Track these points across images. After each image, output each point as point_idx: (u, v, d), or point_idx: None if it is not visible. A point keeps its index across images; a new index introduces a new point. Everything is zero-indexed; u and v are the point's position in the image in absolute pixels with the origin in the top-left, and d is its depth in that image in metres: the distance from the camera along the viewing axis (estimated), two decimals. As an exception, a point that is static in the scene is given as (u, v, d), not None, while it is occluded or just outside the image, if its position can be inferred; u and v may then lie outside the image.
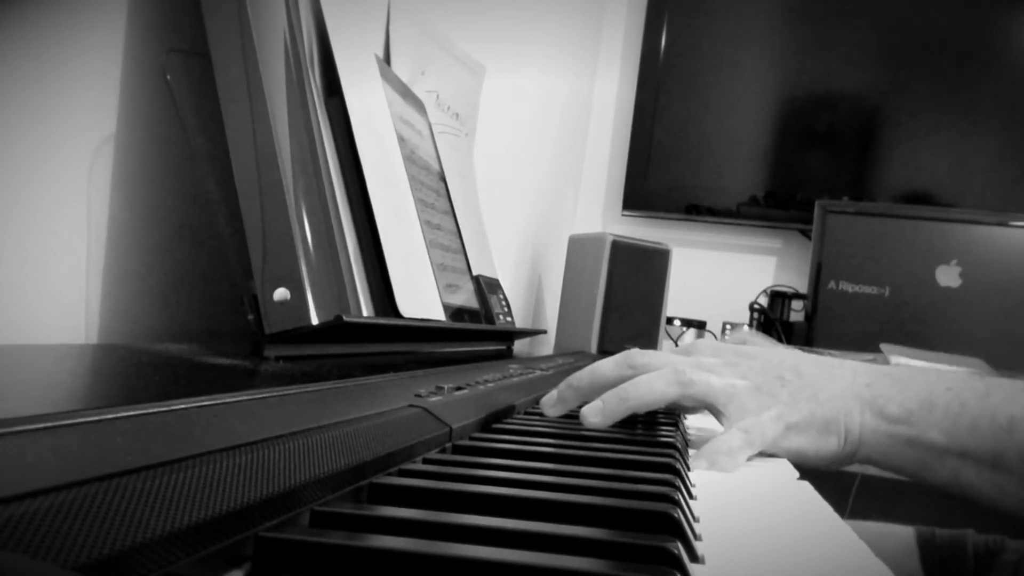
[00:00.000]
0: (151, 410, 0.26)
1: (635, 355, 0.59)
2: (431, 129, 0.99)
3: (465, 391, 0.51)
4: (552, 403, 0.59)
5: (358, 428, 0.33)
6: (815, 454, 0.55)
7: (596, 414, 0.54)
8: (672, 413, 0.68)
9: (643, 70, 2.19)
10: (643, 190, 2.18)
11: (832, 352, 1.41)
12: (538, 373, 0.78)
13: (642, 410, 0.56)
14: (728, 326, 2.03)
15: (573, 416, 0.61)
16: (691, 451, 0.55)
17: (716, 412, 0.57)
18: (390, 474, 0.33)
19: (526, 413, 0.60)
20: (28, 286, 0.51)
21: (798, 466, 0.55)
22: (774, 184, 2.13)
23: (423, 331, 0.75)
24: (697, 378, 0.56)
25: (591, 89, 2.28)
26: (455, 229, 0.96)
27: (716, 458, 0.52)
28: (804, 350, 0.81)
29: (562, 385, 0.60)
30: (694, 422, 0.72)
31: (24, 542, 0.16)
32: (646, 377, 0.56)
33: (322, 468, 0.27)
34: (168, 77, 0.55)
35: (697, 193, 2.16)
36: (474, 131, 1.24)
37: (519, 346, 1.20)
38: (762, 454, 0.56)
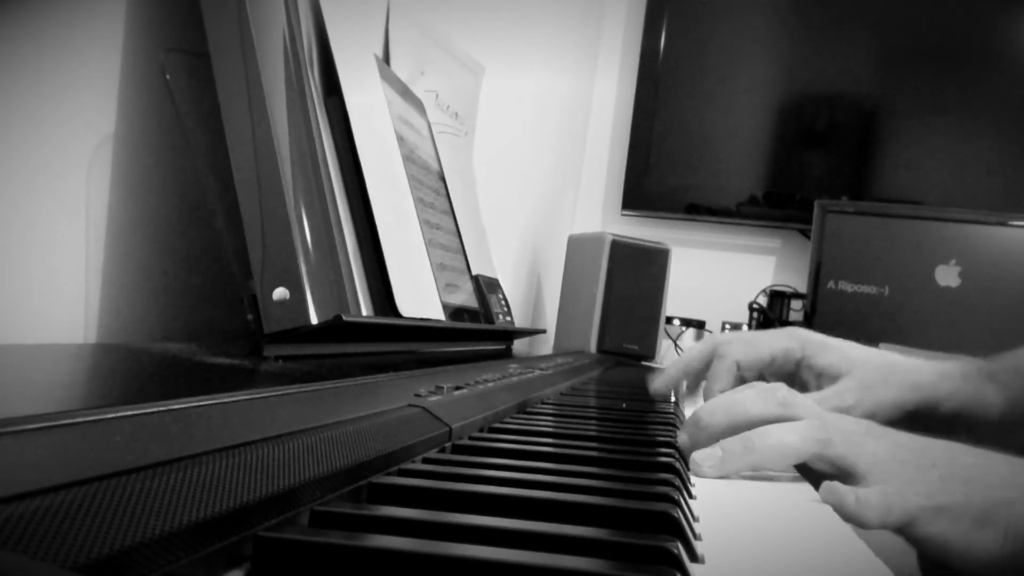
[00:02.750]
0: (150, 410, 0.26)
1: (783, 390, 0.52)
2: (430, 129, 0.99)
3: (464, 391, 0.51)
4: (681, 447, 0.51)
5: (358, 428, 0.33)
6: (964, 550, 0.46)
7: (712, 464, 0.47)
8: (671, 413, 0.68)
9: (643, 70, 2.19)
10: (643, 190, 2.18)
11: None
12: (537, 373, 0.78)
13: (767, 467, 0.49)
14: (727, 326, 2.03)
15: (573, 416, 0.61)
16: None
17: (851, 480, 0.48)
18: (389, 474, 0.33)
19: (526, 413, 0.60)
20: (27, 285, 0.51)
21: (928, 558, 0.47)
22: (773, 184, 2.13)
23: (422, 331, 0.75)
24: (839, 439, 0.48)
25: (591, 89, 2.28)
26: (454, 229, 0.96)
27: (838, 498, 0.45)
28: None
29: (689, 423, 0.52)
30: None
31: (24, 542, 0.16)
32: (779, 429, 0.48)
33: (321, 468, 0.27)
34: (167, 77, 0.55)
35: (697, 193, 2.16)
36: (473, 131, 1.24)
37: (518, 346, 1.20)
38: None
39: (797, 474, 0.52)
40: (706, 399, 0.74)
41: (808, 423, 0.49)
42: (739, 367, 0.77)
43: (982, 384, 0.72)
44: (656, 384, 0.81)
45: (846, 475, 0.49)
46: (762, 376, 0.78)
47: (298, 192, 0.55)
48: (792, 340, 0.77)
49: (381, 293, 0.68)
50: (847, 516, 0.45)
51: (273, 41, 0.58)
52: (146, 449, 0.22)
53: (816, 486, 0.47)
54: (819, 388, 0.74)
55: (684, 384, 0.84)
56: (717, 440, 0.50)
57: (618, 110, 2.27)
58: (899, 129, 2.07)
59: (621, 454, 0.45)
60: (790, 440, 0.48)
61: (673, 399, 0.81)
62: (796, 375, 0.77)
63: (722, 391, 0.73)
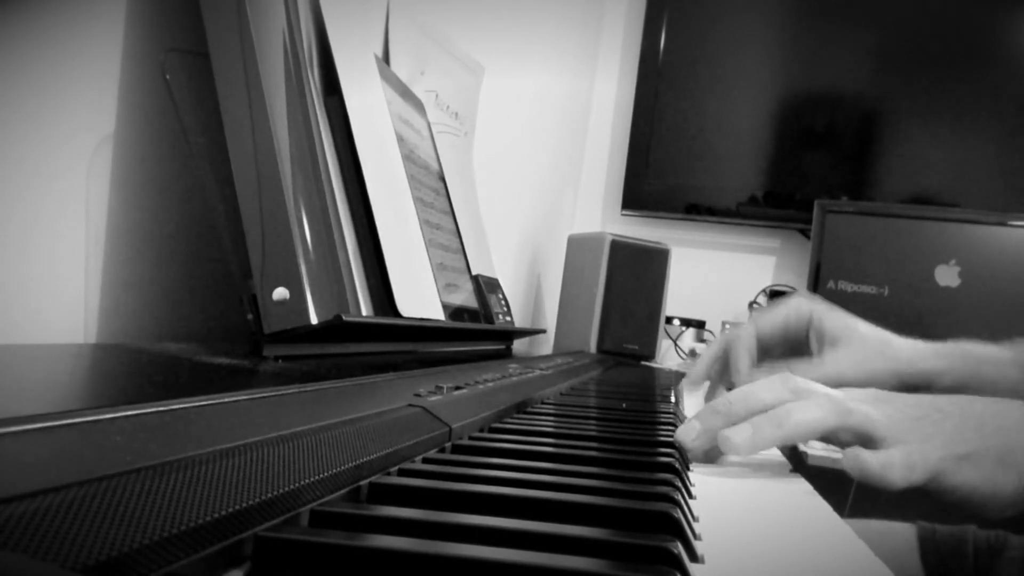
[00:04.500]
0: (150, 410, 0.26)
1: (792, 379, 0.54)
2: (430, 129, 0.99)
3: (464, 390, 0.51)
4: (695, 435, 0.52)
5: (357, 428, 0.33)
6: (991, 493, 0.48)
7: (746, 439, 0.49)
8: (671, 413, 0.68)
9: (642, 70, 2.19)
10: (642, 190, 2.18)
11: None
12: (537, 373, 0.78)
13: (796, 440, 0.52)
14: (727, 325, 2.03)
15: (572, 416, 0.61)
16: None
17: (874, 445, 0.50)
18: (389, 474, 0.33)
19: (526, 413, 0.60)
20: (27, 286, 0.51)
21: (962, 508, 0.49)
22: (773, 184, 2.13)
23: (422, 330, 0.75)
24: (856, 407, 0.51)
25: (590, 89, 2.28)
26: (454, 228, 0.96)
27: (860, 463, 0.47)
28: None
29: (704, 412, 0.53)
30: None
31: (24, 542, 0.16)
32: (802, 404, 0.51)
33: (321, 468, 0.27)
34: (167, 76, 0.55)
35: (696, 193, 2.16)
36: (473, 131, 1.24)
37: (518, 346, 1.20)
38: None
39: (794, 470, 0.53)
40: (734, 380, 0.77)
41: (828, 398, 0.51)
42: (758, 338, 0.78)
43: (979, 364, 0.73)
44: (690, 375, 0.82)
45: (867, 441, 0.50)
46: (779, 348, 0.79)
47: (298, 192, 0.55)
48: (801, 300, 0.79)
49: (381, 293, 0.68)
50: (872, 479, 0.46)
51: (273, 41, 0.58)
52: (146, 449, 0.22)
53: (807, 470, 0.48)
54: (820, 354, 0.75)
55: (712, 372, 0.83)
56: (731, 424, 0.52)
57: (618, 110, 2.27)
58: (899, 129, 2.07)
59: (621, 454, 0.45)
60: (815, 414, 0.50)
61: (673, 399, 0.81)
62: (806, 341, 0.78)
63: (747, 369, 0.76)
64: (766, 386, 0.53)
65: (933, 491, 0.49)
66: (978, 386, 0.69)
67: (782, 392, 0.53)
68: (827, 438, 0.53)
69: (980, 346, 0.76)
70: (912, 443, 0.48)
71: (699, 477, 0.48)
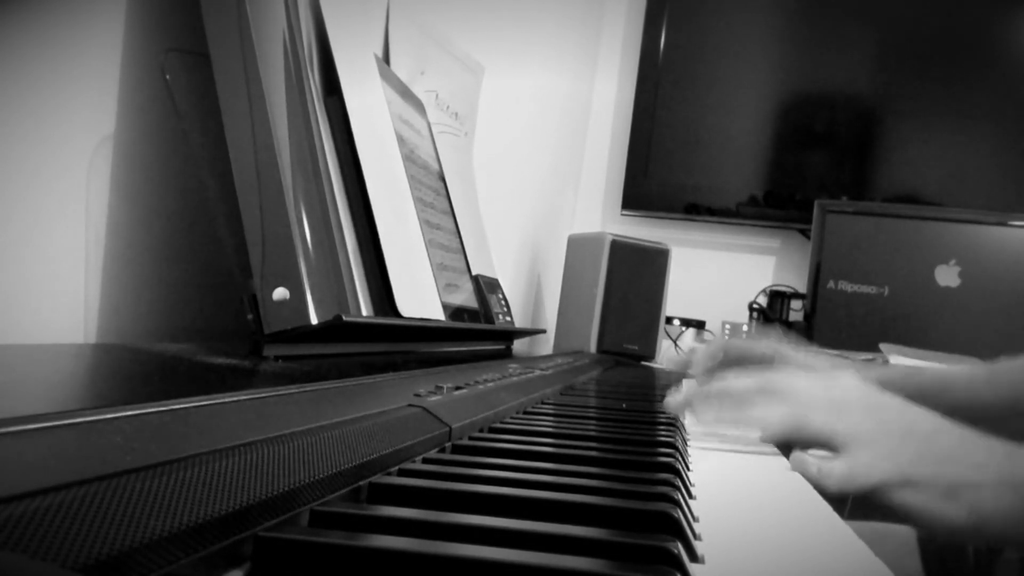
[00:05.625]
0: (150, 410, 0.26)
1: (776, 381, 0.58)
2: (430, 129, 0.99)
3: (464, 391, 0.51)
4: (675, 405, 0.64)
5: (357, 428, 0.33)
6: (932, 519, 0.51)
7: (708, 411, 0.58)
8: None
9: (642, 70, 2.19)
10: (642, 190, 2.18)
11: (831, 352, 1.41)
12: (537, 373, 0.78)
13: (746, 428, 0.59)
14: (727, 325, 2.03)
15: (572, 416, 0.61)
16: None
17: (835, 449, 0.54)
18: (389, 474, 0.33)
19: (526, 413, 0.60)
20: (27, 286, 0.51)
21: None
22: (773, 184, 2.13)
23: (422, 331, 0.75)
24: (815, 418, 0.55)
25: (590, 89, 2.28)
26: (454, 229, 0.96)
27: (804, 468, 0.52)
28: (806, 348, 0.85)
29: (690, 389, 0.63)
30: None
31: (24, 542, 0.16)
32: (764, 406, 0.56)
33: (321, 468, 0.27)
34: (167, 77, 0.55)
35: (696, 193, 2.16)
36: (473, 131, 1.24)
37: (518, 346, 1.20)
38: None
39: (791, 467, 0.54)
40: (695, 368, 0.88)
41: (792, 413, 0.55)
42: (724, 350, 0.86)
43: (945, 390, 0.78)
44: (677, 360, 0.94)
45: (827, 446, 0.55)
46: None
47: (298, 192, 0.55)
48: (768, 346, 0.85)
49: (381, 293, 0.68)
50: (811, 481, 0.50)
51: (273, 41, 0.58)
52: (146, 449, 0.22)
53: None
54: None
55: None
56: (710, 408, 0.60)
57: (618, 110, 2.27)
58: (899, 129, 2.07)
59: (621, 454, 0.45)
60: (769, 418, 0.56)
61: None
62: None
63: (706, 361, 0.87)
64: (743, 378, 0.60)
65: (879, 502, 0.52)
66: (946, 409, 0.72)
67: (753, 388, 0.58)
68: (790, 441, 0.58)
69: (949, 368, 0.80)
70: (863, 457, 0.52)
71: (700, 477, 0.48)
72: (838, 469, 0.51)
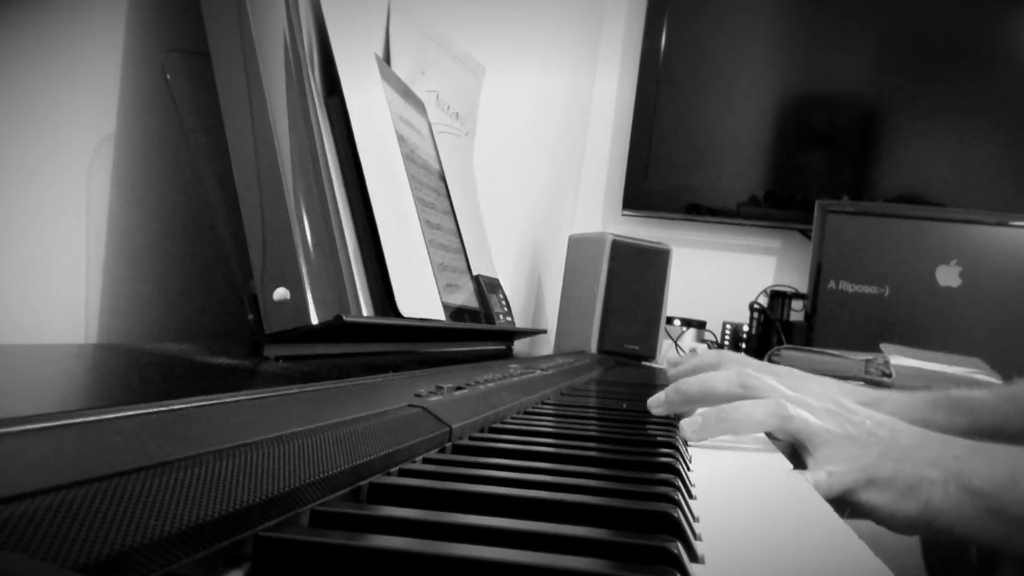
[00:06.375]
0: (151, 410, 0.26)
1: (748, 377, 0.62)
2: (431, 129, 0.99)
3: (465, 391, 0.51)
4: (658, 404, 0.66)
5: (358, 428, 0.33)
6: (890, 515, 0.55)
7: (694, 430, 0.58)
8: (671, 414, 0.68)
9: (643, 70, 2.19)
10: (643, 190, 2.18)
11: (831, 352, 1.41)
12: (538, 373, 0.78)
13: (737, 434, 0.60)
14: (728, 326, 2.03)
15: (573, 416, 0.61)
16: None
17: (805, 451, 0.58)
18: (390, 474, 0.33)
19: (526, 413, 0.60)
20: (28, 286, 0.51)
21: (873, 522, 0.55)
22: (774, 184, 2.12)
23: (423, 331, 0.75)
24: (797, 415, 0.57)
25: (591, 89, 2.28)
26: (455, 229, 0.96)
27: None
28: (803, 349, 0.86)
29: (671, 389, 0.65)
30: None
31: (24, 542, 0.16)
32: (748, 404, 0.58)
33: (322, 468, 0.27)
34: (168, 76, 0.55)
35: (697, 193, 2.16)
36: (474, 131, 1.24)
37: (519, 346, 1.20)
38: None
39: (793, 468, 0.54)
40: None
41: (775, 402, 0.58)
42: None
43: (953, 413, 0.81)
44: (672, 360, 0.98)
45: (800, 445, 0.58)
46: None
47: (298, 192, 0.55)
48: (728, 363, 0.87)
49: (381, 293, 0.68)
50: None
51: (273, 41, 0.58)
52: (146, 449, 0.22)
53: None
54: None
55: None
56: (689, 405, 0.64)
57: (618, 110, 2.27)
58: (899, 129, 2.06)
59: (621, 454, 0.45)
60: (756, 414, 0.57)
61: None
62: None
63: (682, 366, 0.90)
64: (723, 377, 0.63)
65: (846, 501, 0.55)
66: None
67: (735, 387, 0.61)
68: (768, 434, 0.63)
69: (971, 394, 0.83)
70: (837, 462, 0.55)
71: (700, 477, 0.48)
72: (824, 480, 0.54)
